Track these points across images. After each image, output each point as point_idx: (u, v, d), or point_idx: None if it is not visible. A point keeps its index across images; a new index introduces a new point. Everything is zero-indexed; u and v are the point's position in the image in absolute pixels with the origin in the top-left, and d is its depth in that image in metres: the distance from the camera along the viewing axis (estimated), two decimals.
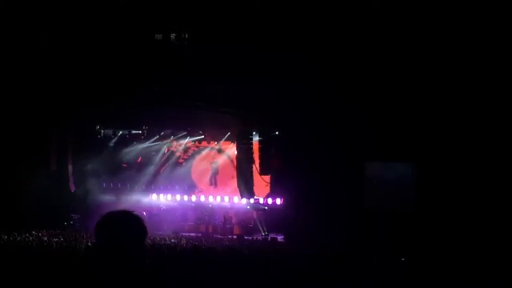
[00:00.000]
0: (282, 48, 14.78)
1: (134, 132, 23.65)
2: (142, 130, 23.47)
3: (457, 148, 16.53)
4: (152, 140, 24.16)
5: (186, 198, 23.26)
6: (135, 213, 3.07)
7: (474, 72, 15.85)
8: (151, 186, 23.93)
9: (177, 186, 23.63)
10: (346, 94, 16.69)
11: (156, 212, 23.09)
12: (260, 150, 20.53)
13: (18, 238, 14.67)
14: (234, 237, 20.43)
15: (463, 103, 16.24)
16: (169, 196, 23.40)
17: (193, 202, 23.12)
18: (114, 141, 23.65)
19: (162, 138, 24.07)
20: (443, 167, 16.70)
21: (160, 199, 23.54)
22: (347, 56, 15.32)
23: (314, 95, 17.00)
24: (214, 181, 24.15)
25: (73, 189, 22.06)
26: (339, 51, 15.17)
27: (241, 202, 22.05)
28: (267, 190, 21.42)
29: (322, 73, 16.01)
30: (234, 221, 22.25)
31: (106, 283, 2.88)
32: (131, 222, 3.01)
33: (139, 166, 24.40)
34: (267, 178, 21.14)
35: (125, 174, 24.04)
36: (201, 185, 24.13)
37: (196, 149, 24.35)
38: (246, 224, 21.90)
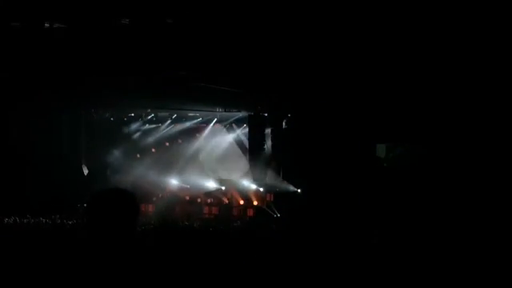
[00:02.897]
0: (294, 32, 14.59)
1: (147, 117, 23.75)
2: (155, 113, 23.51)
3: (469, 130, 16.31)
4: (167, 123, 24.23)
5: (198, 181, 23.31)
6: (127, 191, 3.05)
7: (487, 55, 15.52)
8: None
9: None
10: (356, 75, 16.51)
11: (169, 195, 23.19)
12: (272, 132, 20.43)
13: (32, 221, 14.79)
14: (247, 219, 20.47)
15: (474, 87, 15.97)
16: (183, 179, 23.45)
17: (205, 185, 23.18)
18: (126, 124, 23.72)
19: (175, 122, 24.14)
20: (454, 150, 16.54)
21: (174, 182, 23.59)
22: (357, 38, 15.10)
23: (325, 77, 16.85)
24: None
25: (85, 171, 22.15)
26: (350, 33, 14.96)
27: (253, 185, 22.05)
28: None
29: (332, 55, 15.82)
30: (246, 203, 22.28)
31: (99, 262, 2.87)
32: (122, 201, 2.99)
33: (155, 149, 24.47)
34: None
35: (139, 156, 24.10)
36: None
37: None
38: (259, 207, 21.92)
